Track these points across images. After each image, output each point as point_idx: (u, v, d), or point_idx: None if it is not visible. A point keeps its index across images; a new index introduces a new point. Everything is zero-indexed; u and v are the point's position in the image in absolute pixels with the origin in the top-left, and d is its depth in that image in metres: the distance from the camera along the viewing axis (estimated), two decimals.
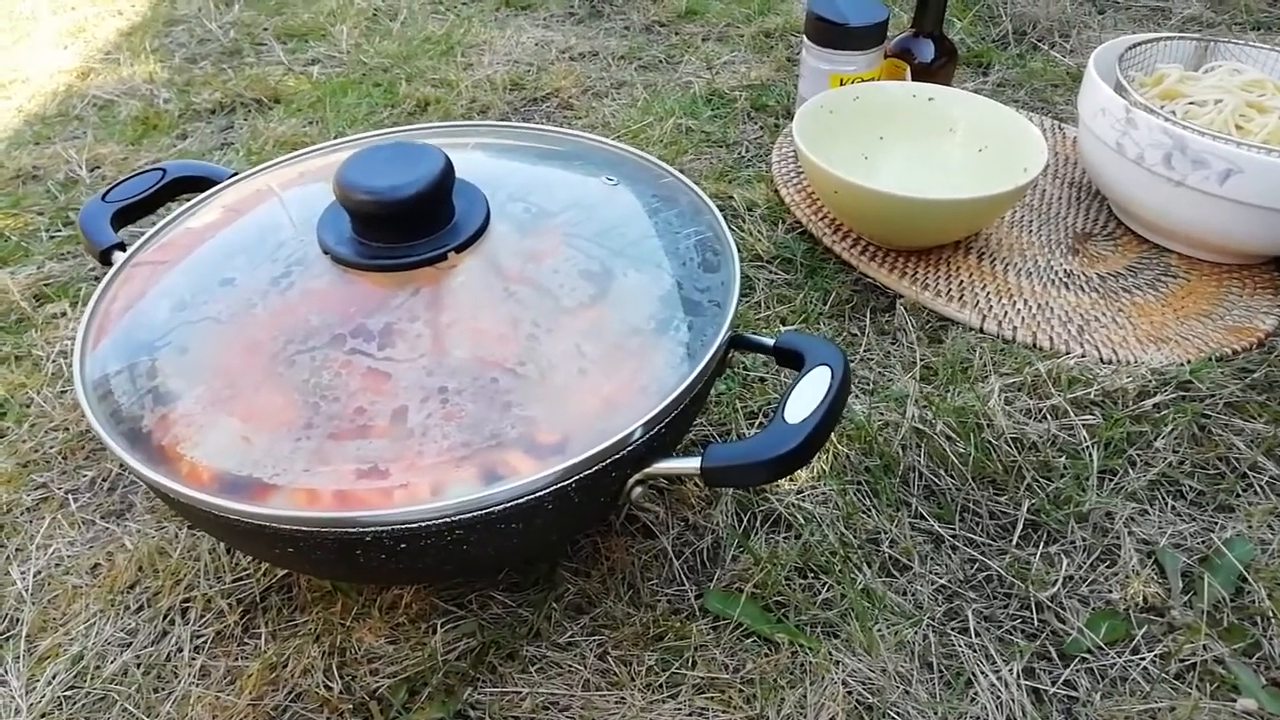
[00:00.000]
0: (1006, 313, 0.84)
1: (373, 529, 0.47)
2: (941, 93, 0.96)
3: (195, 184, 0.73)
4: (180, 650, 0.63)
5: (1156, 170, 0.83)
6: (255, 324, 0.54)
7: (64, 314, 0.91)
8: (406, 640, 0.62)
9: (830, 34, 0.95)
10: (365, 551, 0.48)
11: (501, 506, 0.48)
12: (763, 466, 0.49)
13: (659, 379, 0.53)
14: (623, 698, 0.59)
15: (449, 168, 0.56)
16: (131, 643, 0.63)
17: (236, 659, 0.62)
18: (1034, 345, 0.80)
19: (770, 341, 0.59)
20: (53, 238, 1.01)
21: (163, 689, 0.61)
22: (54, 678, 0.61)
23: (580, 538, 0.68)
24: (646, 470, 0.52)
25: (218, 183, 0.70)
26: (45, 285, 0.94)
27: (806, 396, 0.52)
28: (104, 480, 0.75)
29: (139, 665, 0.62)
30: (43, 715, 0.60)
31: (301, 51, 1.37)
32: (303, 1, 1.53)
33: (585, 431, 0.50)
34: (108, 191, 0.70)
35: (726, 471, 0.50)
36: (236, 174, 0.71)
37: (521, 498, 0.48)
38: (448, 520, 0.47)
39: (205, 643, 0.63)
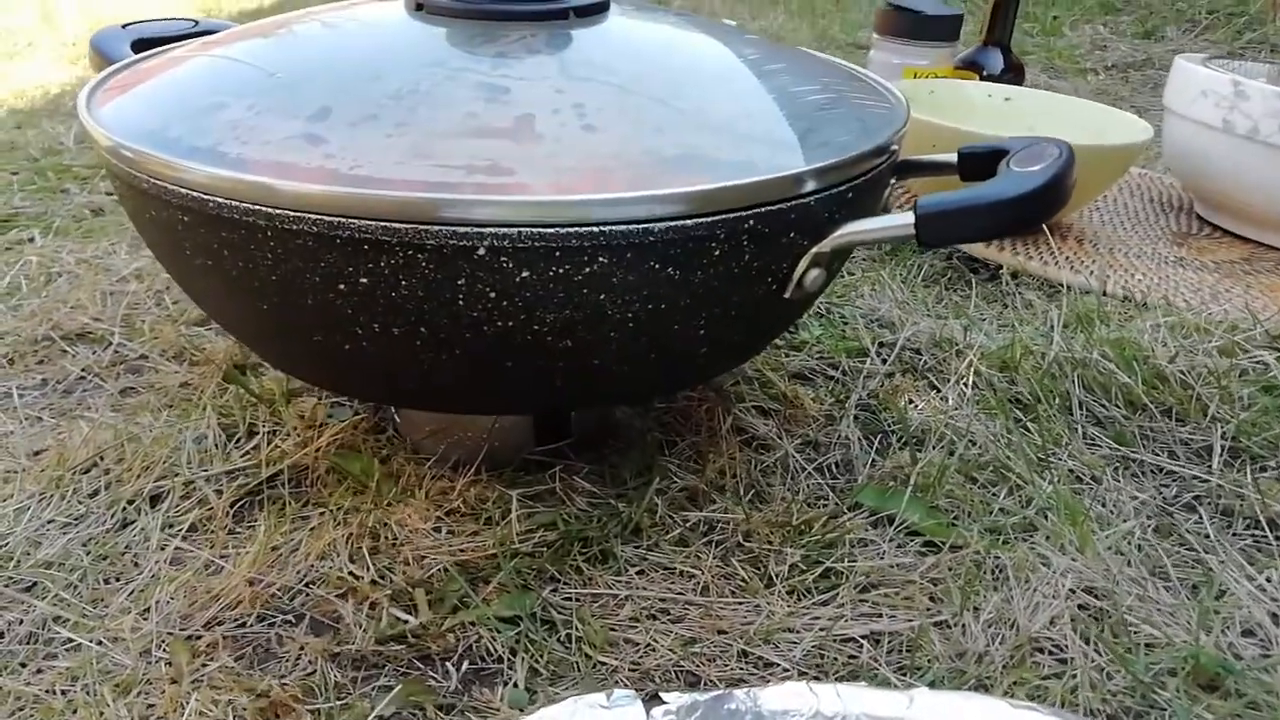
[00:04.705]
0: (1125, 281, 0.75)
1: (494, 230, 0.34)
2: (1019, 93, 0.92)
3: None
4: (146, 540, 0.46)
5: (1273, 141, 0.77)
6: (324, 52, 0.43)
7: (31, 239, 0.77)
8: (462, 531, 0.47)
9: (905, 24, 0.91)
10: (471, 282, 0.35)
11: (663, 225, 0.35)
12: (1002, 207, 0.38)
13: (838, 142, 0.42)
14: (757, 605, 0.43)
15: None
16: (77, 526, 0.46)
17: (225, 548, 0.45)
18: (1169, 305, 0.71)
19: (950, 158, 0.48)
20: (24, 188, 0.88)
21: (118, 577, 0.44)
22: None
23: (686, 436, 0.54)
24: (831, 239, 0.40)
25: None
26: (13, 214, 0.80)
27: (1029, 162, 0.41)
28: (59, 383, 0.59)
29: (87, 552, 0.45)
30: None
31: None
32: None
33: (755, 169, 0.38)
34: (128, 24, 0.60)
35: (953, 218, 0.38)
36: None
37: (688, 219, 0.36)
38: (595, 231, 0.34)
39: (181, 531, 0.47)
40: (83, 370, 0.60)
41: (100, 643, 0.40)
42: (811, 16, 1.82)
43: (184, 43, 0.53)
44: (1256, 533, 0.49)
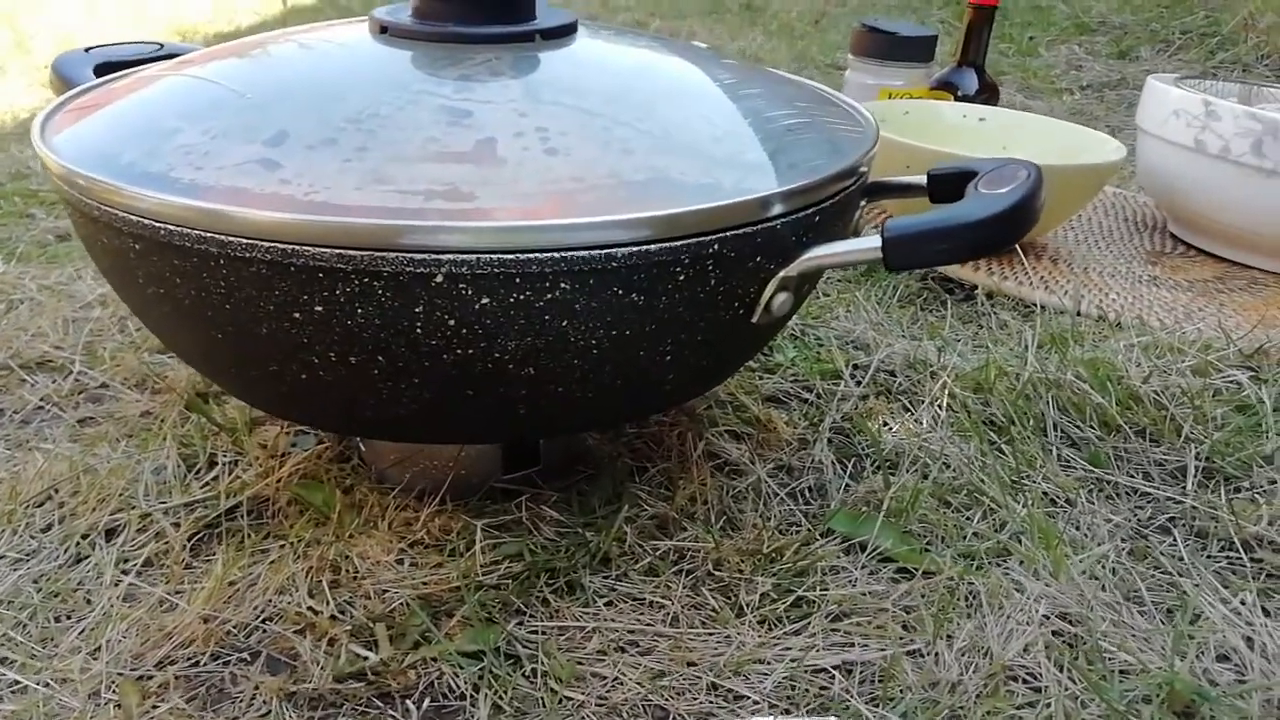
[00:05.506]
0: (1100, 301, 0.74)
1: (453, 256, 0.33)
2: (993, 114, 0.92)
3: None
4: (100, 575, 0.45)
5: (1244, 161, 0.77)
6: (282, 75, 0.42)
7: None
8: (425, 562, 0.45)
9: (881, 45, 0.92)
10: (429, 310, 0.34)
11: (626, 250, 0.35)
12: (969, 230, 0.37)
13: (806, 165, 0.41)
14: (728, 635, 0.42)
15: None
16: (28, 562, 0.45)
17: (181, 583, 0.44)
18: (1143, 324, 0.71)
19: (920, 179, 0.48)
20: None
21: (69, 615, 0.42)
22: None
23: (657, 461, 0.53)
24: (799, 263, 0.39)
25: None
26: None
27: (997, 184, 0.41)
28: (16, 413, 0.58)
29: (37, 588, 0.44)
30: None
31: None
32: None
33: (721, 193, 0.38)
34: (91, 48, 0.59)
35: (920, 241, 0.38)
36: None
37: (652, 244, 0.35)
38: (556, 256, 0.34)
39: (135, 566, 0.45)
40: (41, 400, 0.59)
41: (48, 684, 0.39)
42: (789, 38, 1.83)
43: (146, 66, 0.52)
44: (1231, 554, 0.49)
